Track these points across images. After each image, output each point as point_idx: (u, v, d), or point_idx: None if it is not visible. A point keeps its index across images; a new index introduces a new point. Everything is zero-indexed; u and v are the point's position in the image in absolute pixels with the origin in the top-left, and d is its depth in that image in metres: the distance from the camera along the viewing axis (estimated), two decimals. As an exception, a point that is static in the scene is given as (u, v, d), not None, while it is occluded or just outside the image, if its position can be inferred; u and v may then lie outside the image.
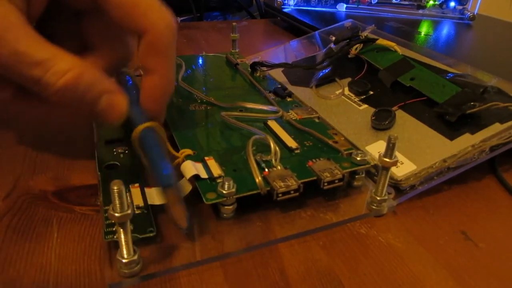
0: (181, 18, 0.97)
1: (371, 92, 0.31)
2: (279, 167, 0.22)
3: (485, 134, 0.24)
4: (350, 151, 0.24)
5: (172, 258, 0.19)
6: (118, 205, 0.16)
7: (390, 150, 0.20)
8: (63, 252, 0.19)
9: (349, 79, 0.33)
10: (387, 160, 0.20)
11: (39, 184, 0.23)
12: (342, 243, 0.21)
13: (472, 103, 0.25)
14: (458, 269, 0.19)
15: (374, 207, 0.22)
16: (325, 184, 0.21)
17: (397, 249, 0.20)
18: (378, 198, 0.22)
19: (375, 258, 0.20)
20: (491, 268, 0.19)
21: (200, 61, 0.40)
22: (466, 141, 0.24)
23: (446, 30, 0.58)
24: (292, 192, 0.21)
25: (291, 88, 0.33)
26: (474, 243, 0.21)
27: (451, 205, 0.24)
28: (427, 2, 0.64)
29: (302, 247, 0.20)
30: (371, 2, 0.64)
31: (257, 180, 0.21)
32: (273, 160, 0.22)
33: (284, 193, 0.21)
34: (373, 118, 0.27)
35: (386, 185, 0.22)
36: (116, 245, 0.18)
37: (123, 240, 0.17)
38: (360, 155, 0.23)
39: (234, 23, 0.41)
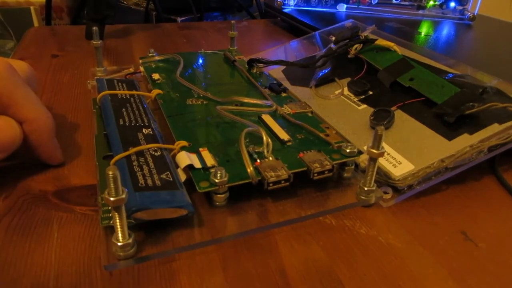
0: (181, 18, 0.97)
1: (370, 92, 0.31)
2: (270, 158, 0.23)
3: (484, 135, 0.24)
4: (341, 144, 0.24)
5: (165, 242, 0.19)
6: (113, 190, 0.16)
7: (377, 141, 0.20)
8: (63, 252, 0.19)
9: (349, 79, 0.33)
10: (374, 151, 0.21)
11: (39, 184, 0.24)
12: (342, 243, 0.21)
13: (471, 104, 0.25)
14: (458, 269, 0.19)
15: (362, 197, 0.22)
16: (315, 174, 0.22)
17: (397, 249, 0.20)
18: (366, 189, 0.22)
19: (375, 258, 0.20)
20: (491, 268, 0.19)
21: (199, 58, 0.40)
22: (465, 142, 0.24)
23: (446, 30, 0.58)
24: (282, 182, 0.22)
25: (291, 88, 0.33)
26: (474, 243, 0.21)
27: (451, 205, 0.24)
28: (427, 2, 0.64)
29: (302, 247, 0.20)
30: (371, 3, 0.64)
31: (248, 170, 0.22)
32: (265, 151, 0.23)
33: (274, 183, 0.21)
34: (372, 118, 0.27)
35: (374, 175, 0.22)
36: (112, 230, 0.18)
37: (118, 224, 0.17)
38: (349, 147, 0.24)
39: (232, 22, 0.42)
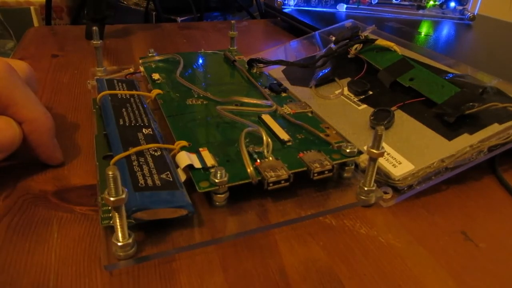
0: (181, 18, 0.97)
1: (370, 92, 0.31)
2: (270, 158, 0.23)
3: (484, 135, 0.24)
4: (341, 144, 0.24)
5: (165, 242, 0.19)
6: (113, 190, 0.16)
7: (377, 141, 0.20)
8: (63, 252, 0.19)
9: (349, 79, 0.33)
10: (374, 151, 0.21)
11: (39, 184, 0.24)
12: (342, 243, 0.21)
13: (471, 104, 0.25)
14: (458, 269, 0.19)
15: (362, 197, 0.22)
16: (315, 174, 0.22)
17: (397, 249, 0.20)
18: (366, 189, 0.22)
19: (375, 258, 0.20)
20: (491, 268, 0.19)
21: (199, 58, 0.40)
22: (465, 142, 0.24)
23: (446, 30, 0.58)
24: (282, 181, 0.22)
25: (291, 88, 0.33)
26: (474, 243, 0.21)
27: (451, 205, 0.24)
28: (427, 2, 0.64)
29: (302, 247, 0.20)
30: (371, 3, 0.64)
31: (248, 170, 0.22)
32: (265, 151, 0.23)
33: (274, 183, 0.21)
34: (372, 118, 0.27)
35: (374, 175, 0.22)
36: (112, 230, 0.18)
37: (118, 224, 0.17)
38: (349, 147, 0.24)
39: (232, 22, 0.42)
